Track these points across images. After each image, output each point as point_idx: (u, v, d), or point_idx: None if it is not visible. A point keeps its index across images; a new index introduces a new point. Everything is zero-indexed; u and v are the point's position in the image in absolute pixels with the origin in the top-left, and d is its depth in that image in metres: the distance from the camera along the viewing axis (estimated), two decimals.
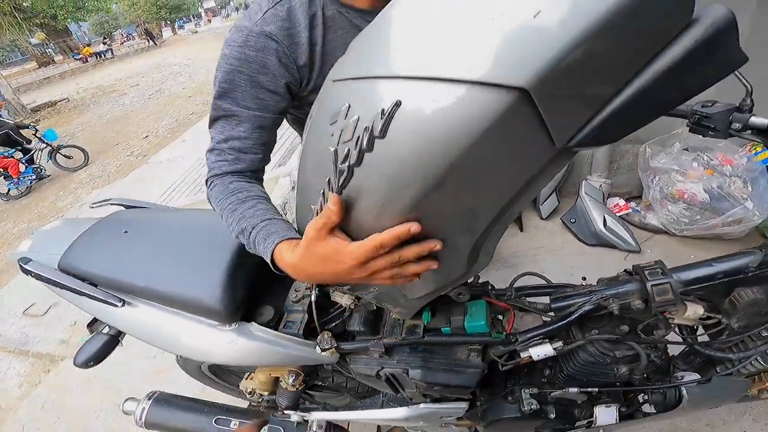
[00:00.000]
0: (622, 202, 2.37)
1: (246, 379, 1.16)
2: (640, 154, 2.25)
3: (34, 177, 5.51)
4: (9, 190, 5.36)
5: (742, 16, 1.78)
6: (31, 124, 5.72)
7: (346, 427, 1.13)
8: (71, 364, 2.07)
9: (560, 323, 0.80)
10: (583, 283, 0.86)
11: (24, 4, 19.12)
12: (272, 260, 0.61)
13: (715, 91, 1.11)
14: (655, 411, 0.97)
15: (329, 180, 0.50)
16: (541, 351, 0.81)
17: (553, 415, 0.98)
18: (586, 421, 1.00)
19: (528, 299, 0.87)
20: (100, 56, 21.31)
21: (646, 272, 0.76)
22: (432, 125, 0.40)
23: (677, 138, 2.13)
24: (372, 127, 0.43)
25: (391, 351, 0.88)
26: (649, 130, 2.10)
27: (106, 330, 1.01)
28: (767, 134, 0.76)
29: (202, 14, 44.99)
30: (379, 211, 0.48)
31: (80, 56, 20.98)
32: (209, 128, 0.75)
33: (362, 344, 0.87)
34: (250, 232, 0.65)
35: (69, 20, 23.51)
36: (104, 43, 24.26)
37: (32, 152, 5.57)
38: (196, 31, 32.17)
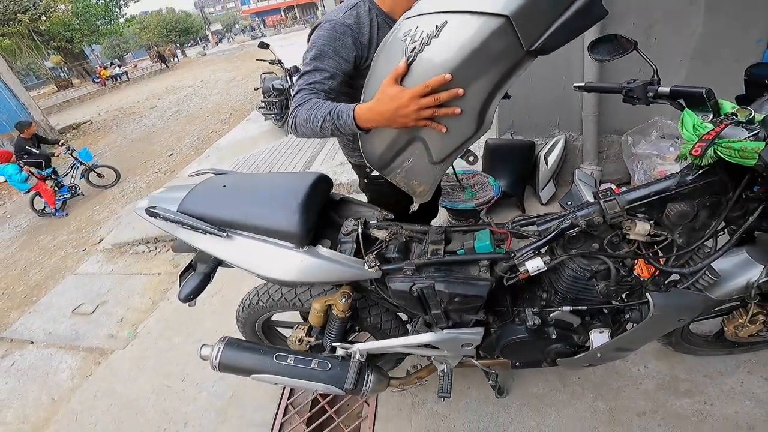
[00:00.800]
0: (613, 186, 2.69)
1: (295, 330, 1.41)
2: (624, 142, 2.55)
3: (68, 195, 5.75)
4: (44, 206, 5.57)
5: (694, 19, 2.14)
6: (66, 143, 6.01)
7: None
8: (120, 355, 2.43)
9: (546, 239, 1.02)
10: (560, 212, 1.09)
11: (41, 27, 19.74)
12: (354, 116, 0.94)
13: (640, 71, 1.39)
14: (634, 325, 1.13)
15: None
16: (534, 264, 1.02)
17: (554, 336, 1.19)
18: (584, 347, 1.21)
19: (521, 228, 1.12)
20: (116, 79, 21.55)
21: (600, 195, 1.00)
22: (458, 34, 0.77)
23: (654, 126, 2.43)
24: (431, 32, 0.81)
25: (420, 270, 1.10)
26: (629, 121, 2.52)
27: (200, 269, 1.26)
28: (671, 98, 1.03)
29: (209, 37, 46.05)
30: (426, 76, 0.83)
31: (99, 79, 21.34)
32: (299, 78, 1.10)
33: (398, 264, 1.11)
34: (336, 109, 0.97)
35: (84, 43, 23.98)
36: (119, 66, 24.51)
37: (65, 174, 5.83)
38: (205, 54, 32.55)
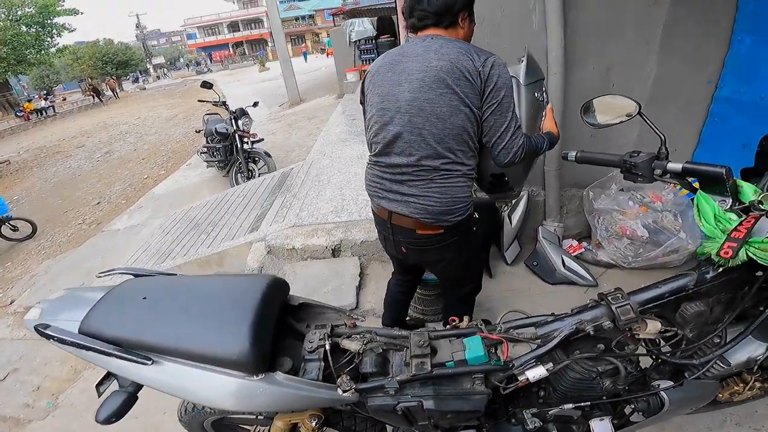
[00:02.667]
0: (575, 243, 2.64)
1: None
2: (585, 197, 2.52)
3: None
4: None
5: (649, 61, 2.19)
6: None
7: None
8: (39, 426, 2.09)
9: (549, 346, 0.93)
10: (558, 314, 1.01)
11: None
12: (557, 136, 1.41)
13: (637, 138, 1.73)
14: (643, 417, 1.09)
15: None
16: (536, 372, 0.95)
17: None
18: None
19: (515, 331, 1.01)
20: (42, 113, 20.34)
21: (610, 298, 0.94)
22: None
23: (613, 180, 2.41)
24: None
25: (404, 387, 0.98)
26: (588, 175, 2.44)
27: (125, 386, 1.03)
28: (682, 176, 0.96)
29: (151, 71, 44.54)
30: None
31: (23, 113, 19.85)
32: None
33: (378, 383, 0.97)
34: (547, 137, 1.34)
35: (9, 74, 22.29)
36: (45, 99, 23.15)
37: None
38: (144, 88, 31.61)
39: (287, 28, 45.74)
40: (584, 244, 2.65)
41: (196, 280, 1.23)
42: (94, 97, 24.29)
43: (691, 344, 0.99)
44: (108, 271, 1.23)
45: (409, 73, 1.26)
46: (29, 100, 21.97)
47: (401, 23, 9.35)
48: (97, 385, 1.07)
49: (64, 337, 0.92)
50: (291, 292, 1.17)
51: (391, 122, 1.30)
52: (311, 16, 51.99)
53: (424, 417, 1.00)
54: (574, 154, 1.16)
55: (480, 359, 0.94)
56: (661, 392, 1.03)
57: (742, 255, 0.81)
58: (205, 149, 5.54)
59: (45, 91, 28.69)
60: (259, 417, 1.36)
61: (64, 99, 27.90)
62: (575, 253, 2.59)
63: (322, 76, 16.50)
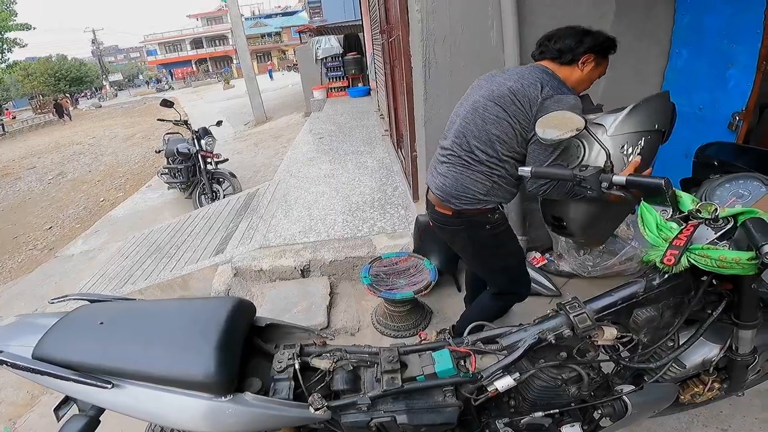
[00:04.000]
0: (538, 255, 2.72)
1: None
2: None
3: None
4: None
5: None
6: None
7: None
8: None
9: (514, 356, 0.97)
10: (523, 324, 1.05)
11: None
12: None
13: None
14: (611, 422, 1.12)
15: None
16: (504, 383, 0.98)
17: None
18: None
19: (481, 343, 1.04)
20: None
21: (567, 307, 0.99)
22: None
23: None
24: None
25: (376, 403, 0.99)
26: None
27: (85, 410, 1.00)
28: (626, 188, 1.01)
29: (107, 87, 42.80)
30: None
31: None
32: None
33: (350, 400, 0.98)
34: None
35: None
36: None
37: None
38: (101, 106, 29.92)
39: (253, 45, 45.34)
40: (547, 255, 2.75)
41: (157, 304, 1.21)
42: (55, 114, 22.83)
43: (647, 348, 1.05)
44: (61, 298, 1.19)
45: (494, 83, 1.42)
46: None
47: (367, 41, 9.42)
48: (55, 409, 1.04)
49: (18, 363, 0.91)
50: (260, 314, 1.16)
51: (458, 114, 1.51)
52: (278, 33, 51.99)
53: (398, 431, 1.00)
54: (529, 170, 1.20)
55: (449, 372, 0.97)
56: (624, 396, 1.07)
57: (683, 262, 0.85)
58: (166, 170, 5.35)
59: None
60: None
61: (14, 117, 26.22)
62: (539, 265, 2.67)
63: (289, 93, 16.43)
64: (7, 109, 31.53)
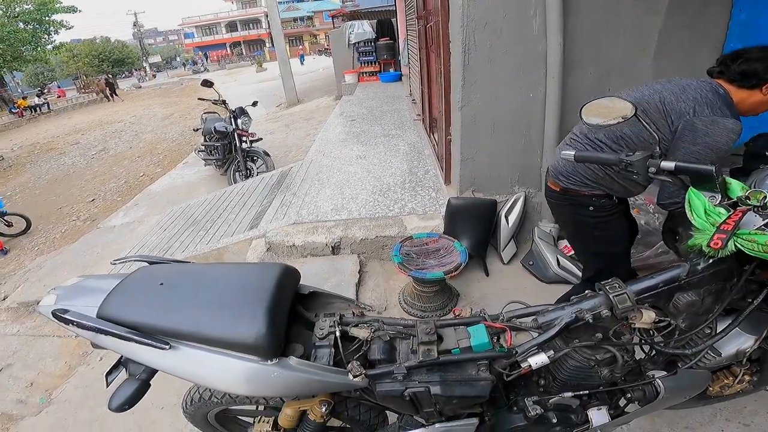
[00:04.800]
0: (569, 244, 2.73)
1: (259, 422, 1.27)
2: None
3: None
4: None
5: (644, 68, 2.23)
6: None
7: None
8: (33, 422, 2.18)
9: (550, 334, 0.96)
10: (560, 303, 1.05)
11: None
12: None
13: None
14: (639, 406, 1.12)
15: None
16: (538, 360, 0.97)
17: (555, 420, 1.13)
18: (583, 426, 1.15)
19: (517, 320, 1.05)
20: (36, 110, 20.05)
21: (607, 287, 0.97)
22: None
23: None
24: None
25: (411, 373, 1.00)
26: None
27: (137, 374, 1.03)
28: (675, 174, 1.00)
29: (147, 69, 44.20)
30: None
31: (17, 110, 19.51)
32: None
33: (387, 369, 1.00)
34: None
35: (5, 70, 21.92)
36: (38, 96, 22.72)
37: None
38: (140, 86, 31.07)
39: (285, 28, 45.27)
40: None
41: (211, 268, 1.25)
42: (102, 94, 23.53)
43: (684, 334, 1.04)
44: (123, 258, 1.24)
45: (651, 88, 1.42)
46: (24, 97, 21.69)
47: (401, 26, 9.33)
48: (106, 374, 1.07)
49: (84, 322, 0.92)
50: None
51: None
52: (310, 18, 52.04)
53: (430, 403, 1.02)
54: (572, 153, 1.19)
55: (484, 346, 0.98)
56: (656, 381, 1.07)
57: (730, 246, 0.85)
58: (203, 147, 5.54)
59: (38, 89, 28.08)
60: (262, 408, 1.37)
61: (59, 96, 27.55)
62: (570, 254, 2.62)
63: (320, 77, 16.50)
64: (59, 86, 33.12)
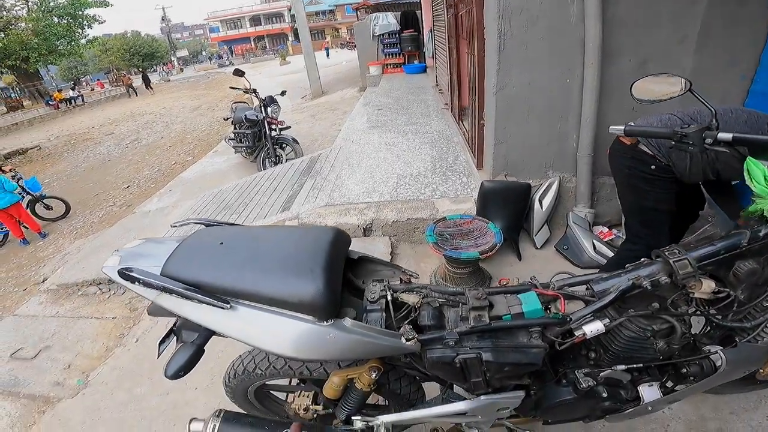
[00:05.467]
0: (605, 229, 2.65)
1: (299, 396, 1.29)
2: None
3: (7, 229, 5.20)
4: None
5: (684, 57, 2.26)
6: (13, 169, 5.43)
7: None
8: (69, 404, 2.21)
9: (606, 300, 0.94)
10: (614, 272, 1.01)
11: None
12: None
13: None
14: (694, 382, 1.09)
15: None
16: (593, 327, 0.95)
17: (605, 395, 1.10)
18: (633, 402, 1.13)
19: (569, 288, 1.04)
20: (71, 102, 20.74)
21: (667, 253, 0.94)
22: None
23: None
24: None
25: (462, 340, 0.99)
26: None
27: (191, 340, 1.03)
28: (732, 144, 1.00)
29: (175, 63, 45.33)
30: None
31: (53, 102, 20.31)
32: None
33: (438, 334, 0.99)
34: None
35: (41, 63, 22.72)
36: (72, 89, 23.51)
37: None
38: (169, 80, 31.87)
39: (308, 22, 45.50)
40: (615, 231, 2.66)
41: (267, 229, 1.24)
42: (128, 88, 24.03)
43: (742, 307, 1.01)
44: (182, 221, 1.28)
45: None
46: (59, 90, 22.50)
47: (425, 18, 9.25)
48: (159, 342, 1.09)
49: (150, 280, 0.93)
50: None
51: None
52: (331, 11, 52.09)
53: (479, 371, 1.00)
54: (621, 128, 1.18)
55: (537, 313, 0.96)
56: (717, 354, 1.04)
57: None
58: (233, 136, 5.66)
59: (72, 82, 29.07)
60: (299, 383, 1.39)
61: (93, 89, 28.55)
62: (606, 239, 2.59)
63: (344, 69, 16.56)
64: (98, 80, 34.21)
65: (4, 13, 19.11)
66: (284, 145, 5.17)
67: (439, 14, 5.87)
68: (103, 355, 2.52)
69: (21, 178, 5.41)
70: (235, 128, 5.62)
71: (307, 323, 0.92)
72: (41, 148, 11.34)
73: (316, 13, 51.91)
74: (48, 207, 5.65)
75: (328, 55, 28.47)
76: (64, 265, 3.73)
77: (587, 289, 1.02)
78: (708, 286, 0.94)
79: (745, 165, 0.97)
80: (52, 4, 21.73)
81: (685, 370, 1.10)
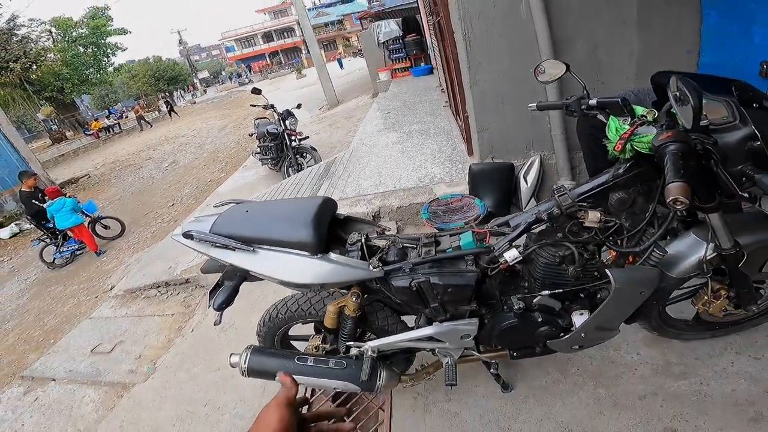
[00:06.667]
0: (564, 183, 2.90)
1: (312, 339, 1.60)
2: None
3: (76, 247, 5.92)
4: (54, 259, 5.79)
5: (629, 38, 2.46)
6: (72, 196, 6.13)
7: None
8: (141, 388, 2.55)
9: (517, 231, 1.23)
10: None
11: (33, 76, 19.40)
12: None
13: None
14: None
15: None
16: (511, 254, 1.21)
17: (540, 320, 1.34)
18: (569, 328, 1.35)
19: (498, 228, 1.33)
20: (110, 130, 21.58)
21: (555, 191, 1.21)
22: None
23: None
24: None
25: (416, 269, 1.29)
26: None
27: (230, 284, 1.40)
28: (598, 108, 1.21)
29: (198, 85, 46.80)
30: None
31: (91, 132, 21.26)
32: None
33: (398, 265, 1.30)
34: None
35: (75, 94, 23.58)
36: (107, 118, 24.20)
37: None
38: (194, 102, 33.24)
39: (318, 34, 45.37)
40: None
41: (277, 201, 1.77)
42: (140, 121, 22.62)
43: (630, 233, 1.21)
44: (221, 203, 1.64)
45: None
46: (96, 119, 23.24)
47: (425, 22, 9.53)
48: (210, 291, 1.47)
49: (202, 235, 1.34)
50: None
51: None
52: (340, 21, 52.19)
53: (433, 295, 1.28)
54: (534, 105, 1.47)
55: (469, 245, 1.30)
56: (607, 270, 1.19)
57: (628, 148, 1.10)
58: (259, 149, 6.25)
59: (106, 111, 29.68)
60: (315, 316, 1.62)
61: (126, 117, 29.20)
62: None
63: (357, 78, 17.01)
64: (132, 106, 33.98)
65: (32, 45, 19.74)
66: (304, 154, 5.72)
67: (429, 20, 6.28)
68: (166, 345, 2.88)
69: (79, 201, 6.08)
70: (259, 142, 6.19)
71: (304, 257, 1.29)
72: (90, 176, 12.26)
73: (325, 24, 52.04)
74: (106, 227, 6.31)
75: (341, 66, 28.31)
76: (127, 275, 4.15)
77: (507, 225, 1.33)
78: (594, 216, 1.17)
79: (607, 122, 1.22)
80: (74, 34, 22.59)
81: (599, 296, 1.31)
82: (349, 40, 49.81)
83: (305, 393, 1.93)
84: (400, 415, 1.78)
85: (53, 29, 21.98)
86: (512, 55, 2.70)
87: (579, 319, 1.31)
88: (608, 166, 1.32)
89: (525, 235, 1.30)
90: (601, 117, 1.26)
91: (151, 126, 22.08)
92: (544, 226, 1.25)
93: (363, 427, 1.75)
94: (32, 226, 6.69)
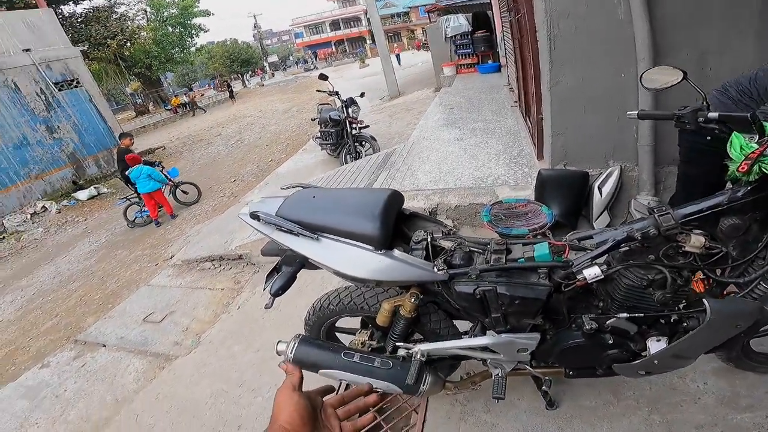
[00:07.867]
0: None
1: (359, 334, 1.56)
2: None
3: (147, 214, 6.38)
4: (135, 218, 6.38)
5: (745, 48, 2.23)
6: (158, 162, 6.72)
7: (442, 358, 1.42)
8: (183, 361, 2.58)
9: (602, 248, 1.11)
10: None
11: (126, 53, 20.80)
12: None
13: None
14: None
15: None
16: (591, 272, 1.09)
17: (610, 342, 1.23)
18: (642, 354, 1.23)
19: (579, 241, 1.21)
20: (187, 107, 22.53)
21: (655, 209, 1.08)
22: None
23: None
24: None
25: (483, 276, 1.21)
26: None
27: (288, 270, 1.39)
28: (719, 122, 1.09)
29: (267, 68, 48.57)
30: None
31: (171, 107, 22.53)
32: None
33: (464, 270, 1.23)
34: None
35: (160, 71, 25.47)
36: (186, 95, 25.62)
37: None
38: (263, 85, 34.21)
39: (384, 25, 44.93)
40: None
41: (345, 189, 1.72)
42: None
43: (736, 263, 1.09)
44: (289, 185, 1.63)
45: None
46: (176, 96, 25.04)
47: (497, 19, 9.19)
48: (267, 275, 1.45)
49: (268, 218, 1.32)
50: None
51: None
52: (406, 13, 51.93)
53: (497, 305, 1.20)
54: (635, 113, 1.35)
55: (545, 257, 1.17)
56: (704, 300, 1.06)
57: (755, 169, 0.98)
58: (320, 134, 6.37)
59: (186, 88, 32.31)
60: (368, 311, 1.57)
61: (202, 94, 30.99)
62: None
63: (420, 71, 16.92)
64: (209, 84, 36.58)
65: (129, 22, 21.15)
66: (363, 142, 5.75)
67: (504, 16, 6.03)
68: (212, 320, 2.92)
69: (164, 168, 6.66)
70: (321, 127, 6.31)
71: (367, 251, 1.25)
72: (165, 147, 13.25)
73: (391, 16, 51.93)
74: (185, 192, 6.83)
75: (399, 62, 27.31)
76: (187, 245, 4.32)
77: (591, 240, 1.20)
78: (697, 240, 1.04)
79: (730, 139, 1.08)
80: (165, 14, 24.33)
81: (685, 324, 1.18)
82: (413, 33, 49.43)
83: (339, 386, 1.90)
84: (434, 420, 1.73)
85: (148, 8, 23.82)
86: (601, 58, 2.52)
87: (655, 345, 1.19)
88: (710, 188, 1.22)
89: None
90: (718, 132, 1.12)
91: (205, 112, 22.35)
92: (631, 245, 1.12)
93: (393, 427, 1.69)
94: (110, 190, 7.23)
